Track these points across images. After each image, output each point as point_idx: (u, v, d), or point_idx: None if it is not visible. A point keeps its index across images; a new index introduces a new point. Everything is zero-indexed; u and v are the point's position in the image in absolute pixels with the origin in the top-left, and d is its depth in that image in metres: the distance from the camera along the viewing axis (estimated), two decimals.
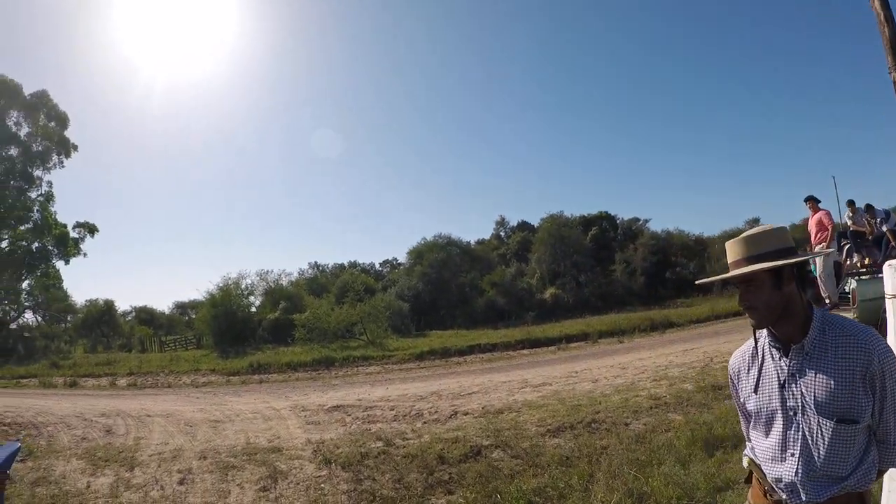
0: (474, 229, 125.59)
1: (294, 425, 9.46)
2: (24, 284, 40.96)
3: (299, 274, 49.24)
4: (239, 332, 30.38)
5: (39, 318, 42.63)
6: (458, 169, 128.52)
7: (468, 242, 44.14)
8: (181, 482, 6.56)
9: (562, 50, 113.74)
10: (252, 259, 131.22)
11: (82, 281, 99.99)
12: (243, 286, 34.10)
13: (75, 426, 10.44)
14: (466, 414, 9.26)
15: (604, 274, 38.65)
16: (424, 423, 8.97)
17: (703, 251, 38.72)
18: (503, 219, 54.92)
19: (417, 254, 41.19)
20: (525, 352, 18.83)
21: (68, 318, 39.99)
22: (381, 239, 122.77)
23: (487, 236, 52.64)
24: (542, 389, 10.92)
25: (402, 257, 47.51)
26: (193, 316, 43.41)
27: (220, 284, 32.81)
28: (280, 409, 11.03)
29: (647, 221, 44.91)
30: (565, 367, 13.89)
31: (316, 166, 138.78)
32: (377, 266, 63.88)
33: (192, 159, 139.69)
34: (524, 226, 50.87)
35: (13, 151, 38.24)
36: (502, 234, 53.22)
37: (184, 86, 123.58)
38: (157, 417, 10.88)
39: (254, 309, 35.20)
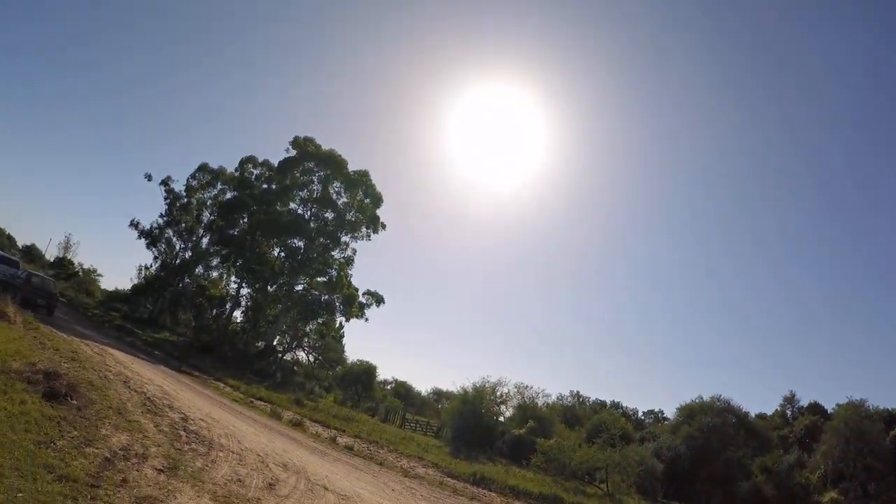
0: (757, 399, 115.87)
1: None
2: (308, 327, 47.25)
3: (557, 399, 49.04)
4: (480, 435, 30.93)
5: (311, 359, 48.57)
6: (749, 328, 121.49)
7: (747, 413, 40.14)
8: None
9: None
10: (516, 369, 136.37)
11: (359, 342, 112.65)
12: (498, 393, 34.84)
13: (248, 464, 10.25)
14: None
15: None
16: None
17: None
18: (793, 395, 50.78)
19: (688, 412, 38.66)
20: None
21: (336, 368, 44.34)
22: (651, 385, 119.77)
23: (770, 411, 48.86)
24: None
25: (669, 411, 45.39)
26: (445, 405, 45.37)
27: (477, 384, 33.97)
28: None
29: None
30: None
31: (599, 293, 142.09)
32: (640, 414, 62.12)
33: (486, 259, 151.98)
34: (815, 408, 45.57)
35: (329, 215, 45.09)
36: (788, 412, 48.61)
37: (492, 191, 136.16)
38: (332, 495, 10.07)
39: (502, 419, 35.72)
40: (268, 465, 10.67)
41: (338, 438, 19.65)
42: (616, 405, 56.27)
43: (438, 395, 54.37)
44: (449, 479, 18.05)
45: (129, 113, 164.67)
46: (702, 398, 39.35)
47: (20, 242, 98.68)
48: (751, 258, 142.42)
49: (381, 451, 20.06)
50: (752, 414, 41.83)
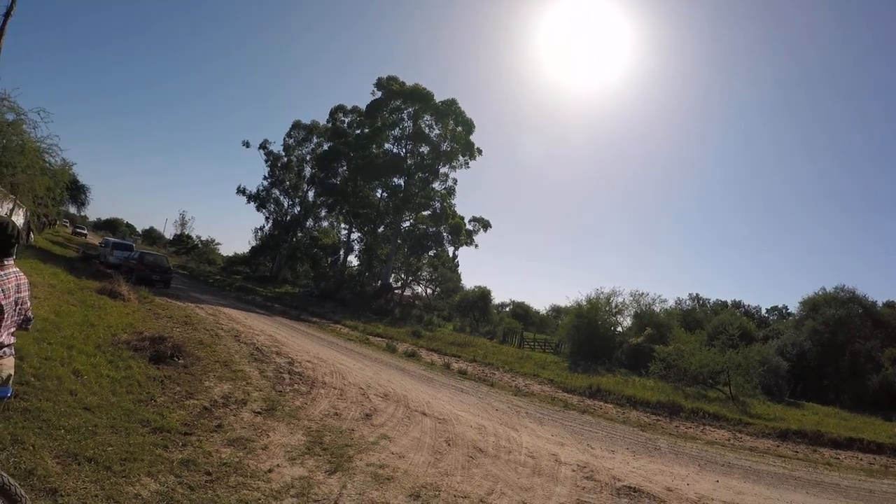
0: (884, 287, 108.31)
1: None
2: (421, 261, 49.07)
3: (676, 303, 47.95)
4: (598, 347, 31.12)
5: (428, 291, 50.56)
6: (872, 208, 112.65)
7: (875, 302, 37.47)
8: None
9: None
10: (635, 278, 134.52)
11: (473, 269, 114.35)
12: (613, 303, 34.64)
13: (349, 397, 10.71)
14: None
15: None
16: None
17: None
18: None
19: (812, 305, 36.85)
20: None
21: (455, 298, 45.86)
22: (775, 280, 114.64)
23: None
24: None
25: (794, 306, 43.29)
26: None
27: (591, 296, 33.98)
28: (564, 465, 8.93)
29: None
30: None
31: (721, 189, 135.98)
32: (763, 311, 59.83)
33: (592, 166, 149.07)
34: None
35: (424, 149, 45.95)
36: None
37: (586, 93, 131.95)
38: (429, 420, 10.26)
39: (619, 329, 35.61)
40: (368, 397, 11.15)
41: (452, 364, 20.31)
42: (738, 304, 54.34)
43: (557, 311, 54.61)
44: (563, 393, 18.21)
45: (215, 85, 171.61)
46: (825, 290, 37.31)
47: (139, 228, 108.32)
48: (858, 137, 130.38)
49: (495, 372, 20.51)
50: (880, 303, 39.11)
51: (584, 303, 33.81)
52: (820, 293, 37.29)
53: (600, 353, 30.69)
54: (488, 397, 14.99)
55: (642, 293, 37.27)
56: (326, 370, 13.31)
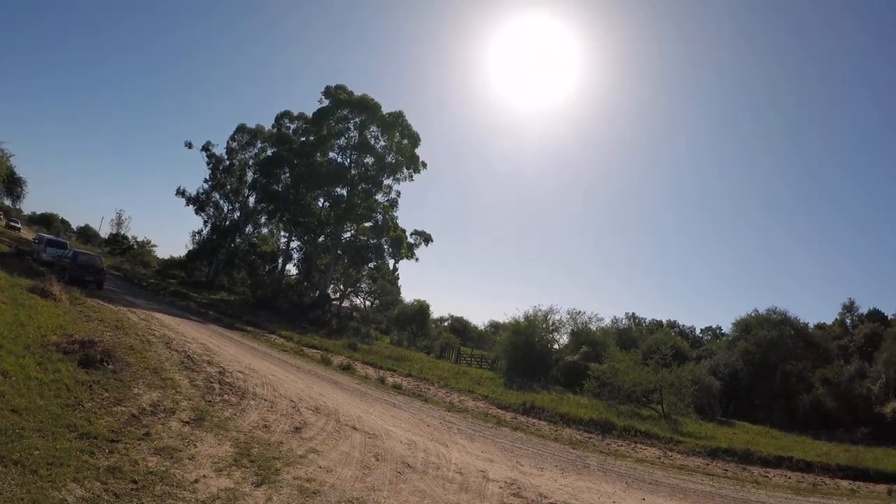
0: (815, 310, 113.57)
1: None
2: (361, 272, 48.88)
3: (612, 322, 48.92)
4: (534, 364, 31.49)
5: (367, 304, 50.35)
6: (804, 237, 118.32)
7: (806, 324, 39.21)
8: None
9: None
10: (573, 295, 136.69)
11: (413, 282, 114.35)
12: (551, 321, 35.15)
13: (279, 410, 10.75)
14: None
15: None
16: None
17: None
18: (852, 303, 49.39)
19: (744, 326, 38.28)
20: (846, 483, 15.11)
21: (393, 311, 45.81)
22: (710, 303, 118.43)
23: (829, 321, 47.77)
24: None
25: (728, 327, 44.93)
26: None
27: (529, 314, 34.40)
28: (492, 481, 9.07)
29: None
30: None
31: (662, 209, 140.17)
32: (698, 331, 61.86)
33: (530, 184, 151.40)
34: (876, 316, 44.76)
35: (368, 160, 45.94)
36: (848, 321, 47.52)
37: (536, 110, 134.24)
38: (359, 434, 10.36)
39: (556, 346, 36.11)
40: (299, 410, 11.21)
41: (387, 379, 20.15)
42: (673, 324, 56.05)
43: (495, 327, 55.08)
44: (497, 410, 18.34)
45: (161, 87, 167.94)
46: (758, 311, 38.83)
47: (74, 225, 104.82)
48: (797, 160, 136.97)
49: (430, 387, 20.58)
50: (811, 325, 41.02)
51: (522, 320, 34.17)
52: (753, 314, 38.70)
53: (536, 370, 31.00)
54: (421, 412, 15.02)
55: (579, 311, 37.67)
56: (258, 381, 13.21)
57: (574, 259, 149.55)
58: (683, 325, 59.79)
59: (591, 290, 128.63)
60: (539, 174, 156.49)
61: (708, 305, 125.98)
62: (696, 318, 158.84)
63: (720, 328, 60.04)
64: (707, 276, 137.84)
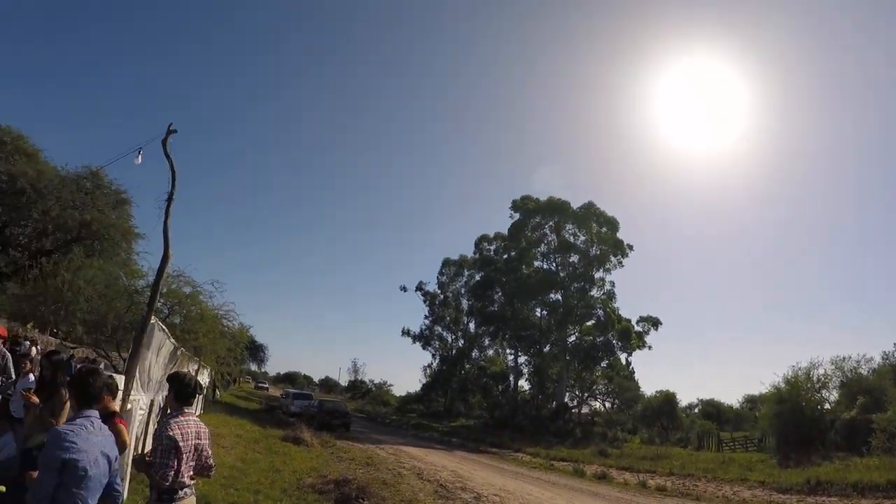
0: None
1: None
2: (594, 374, 47.85)
3: (883, 358, 42.13)
4: (806, 433, 27.99)
5: (607, 405, 48.87)
6: None
7: None
8: None
9: None
10: (828, 343, 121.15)
11: (651, 372, 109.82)
12: (814, 377, 31.12)
13: None
14: None
15: None
16: None
17: None
18: None
19: None
20: None
21: (637, 407, 43.99)
22: None
23: None
24: None
25: None
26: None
27: (788, 376, 30.88)
28: None
29: None
30: None
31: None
32: None
33: (737, 241, 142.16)
34: None
35: (573, 258, 46.23)
36: None
37: (716, 167, 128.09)
38: None
39: (827, 406, 31.78)
40: None
41: (648, 482, 19.27)
42: None
43: (751, 401, 50.20)
44: (779, 495, 16.98)
45: (374, 239, 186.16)
46: None
47: (316, 378, 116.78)
48: None
49: (697, 483, 19.49)
50: None
51: (783, 384, 30.82)
52: None
53: (811, 439, 27.61)
54: None
55: (843, 357, 32.85)
56: (517, 503, 13.24)
57: (813, 296, 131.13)
58: None
59: (843, 328, 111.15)
60: (755, 219, 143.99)
61: None
62: None
63: None
64: None
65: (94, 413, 3.43)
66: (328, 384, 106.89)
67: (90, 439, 3.21)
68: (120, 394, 6.03)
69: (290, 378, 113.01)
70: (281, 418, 30.46)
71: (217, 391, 35.89)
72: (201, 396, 26.35)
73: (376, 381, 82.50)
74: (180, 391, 4.26)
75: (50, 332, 20.81)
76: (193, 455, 4.15)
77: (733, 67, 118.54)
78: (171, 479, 3.95)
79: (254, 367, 78.79)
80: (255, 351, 61.35)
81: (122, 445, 4.91)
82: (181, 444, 3.99)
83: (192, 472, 4.19)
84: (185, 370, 15.63)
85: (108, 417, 5.01)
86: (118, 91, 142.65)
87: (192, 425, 4.18)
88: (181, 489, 4.07)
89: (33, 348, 19.40)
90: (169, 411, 4.39)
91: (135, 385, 6.24)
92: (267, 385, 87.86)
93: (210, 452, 4.38)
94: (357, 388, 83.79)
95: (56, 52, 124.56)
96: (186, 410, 4.25)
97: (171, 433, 4.00)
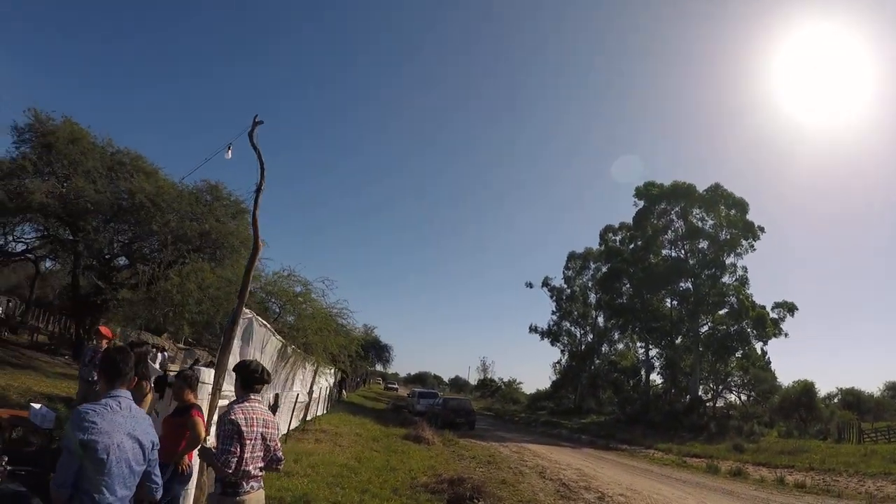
0: None
1: None
2: (729, 365, 45.75)
3: None
4: None
5: (743, 398, 46.60)
6: None
7: None
8: None
9: None
10: None
11: (787, 361, 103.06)
12: None
13: None
14: None
15: None
16: None
17: None
18: None
19: None
20: None
21: (774, 399, 41.86)
22: None
23: None
24: None
25: None
26: None
27: None
28: None
29: None
30: None
31: None
32: None
33: (874, 219, 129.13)
34: None
35: (702, 244, 44.63)
36: None
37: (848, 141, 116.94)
38: None
39: None
40: None
41: (786, 478, 18.40)
42: None
43: (893, 388, 45.99)
44: None
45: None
46: None
47: (446, 377, 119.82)
48: None
49: (838, 479, 18.52)
50: None
51: None
52: None
53: None
54: None
55: None
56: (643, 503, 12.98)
57: None
58: None
59: None
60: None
61: None
62: None
63: None
64: None
65: (124, 393, 3.24)
66: (458, 383, 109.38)
67: (114, 420, 3.05)
68: (208, 387, 6.22)
69: (420, 378, 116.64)
70: (406, 417, 31.09)
71: (344, 391, 37.64)
72: (330, 395, 27.42)
73: (505, 380, 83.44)
74: (247, 378, 4.13)
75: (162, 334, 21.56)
76: (260, 445, 3.99)
77: (858, 31, 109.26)
78: (233, 465, 3.79)
79: (380, 368, 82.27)
80: (380, 351, 64.02)
81: (195, 439, 5.27)
82: (244, 428, 3.84)
83: (260, 465, 4.03)
84: (306, 372, 16.72)
85: (187, 409, 5.52)
86: (218, 91, 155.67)
87: (258, 412, 4.02)
88: (247, 482, 3.89)
89: (159, 355, 20.74)
90: (235, 398, 4.26)
91: (226, 378, 6.13)
92: (396, 386, 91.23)
93: (279, 444, 4.22)
94: (486, 386, 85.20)
95: (151, 55, 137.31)
96: (253, 397, 4.10)
97: (233, 416, 3.86)
